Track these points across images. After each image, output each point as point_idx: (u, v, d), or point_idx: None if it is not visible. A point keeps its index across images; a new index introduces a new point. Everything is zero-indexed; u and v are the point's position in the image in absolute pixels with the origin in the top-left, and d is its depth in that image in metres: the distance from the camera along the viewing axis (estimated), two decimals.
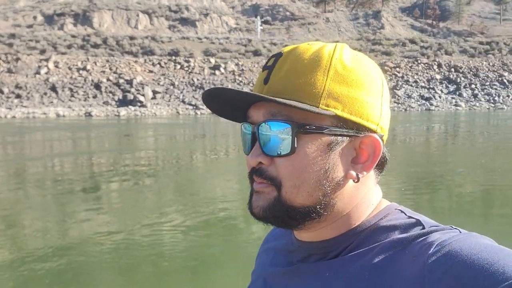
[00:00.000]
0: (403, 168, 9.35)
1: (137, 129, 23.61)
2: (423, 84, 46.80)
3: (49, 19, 56.68)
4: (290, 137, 0.58)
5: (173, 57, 46.67)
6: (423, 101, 43.06)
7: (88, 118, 32.10)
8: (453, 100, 43.86)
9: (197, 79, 42.46)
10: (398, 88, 45.21)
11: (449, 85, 47.17)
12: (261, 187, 0.61)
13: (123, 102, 37.50)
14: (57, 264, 4.45)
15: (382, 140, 0.62)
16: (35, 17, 56.76)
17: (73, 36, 50.26)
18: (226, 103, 0.63)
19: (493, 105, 42.81)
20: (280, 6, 71.09)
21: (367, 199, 0.64)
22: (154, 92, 39.17)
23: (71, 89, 38.75)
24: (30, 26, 53.71)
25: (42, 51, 44.76)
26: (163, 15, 61.06)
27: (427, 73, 49.18)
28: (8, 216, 6.43)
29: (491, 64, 51.90)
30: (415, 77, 48.05)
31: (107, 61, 43.91)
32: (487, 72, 49.96)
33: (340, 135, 0.59)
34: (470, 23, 74.56)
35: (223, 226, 5.79)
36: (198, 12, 63.03)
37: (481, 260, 0.48)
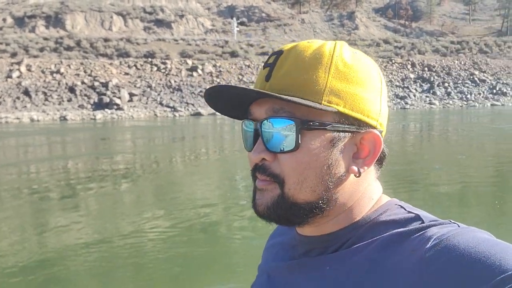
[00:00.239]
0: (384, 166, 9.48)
1: (114, 132, 23.24)
2: (397, 84, 47.68)
3: (20, 21, 55.17)
4: (294, 133, 0.59)
5: (149, 59, 46.13)
6: (398, 100, 43.87)
7: (63, 122, 31.41)
8: (427, 99, 44.88)
9: (175, 81, 42.08)
10: None
11: (423, 84, 48.23)
12: (264, 184, 0.62)
13: (99, 105, 36.85)
14: (36, 274, 4.33)
15: (381, 135, 0.64)
16: (4, 19, 55.14)
17: (46, 39, 49.06)
18: (227, 100, 0.64)
19: (465, 102, 44.04)
20: (255, 7, 71.22)
21: (367, 193, 0.65)
22: (131, 95, 38.62)
23: (45, 93, 37.82)
24: None
25: (13, 54, 43.53)
26: (138, 16, 60.28)
27: (401, 72, 50.14)
28: None
29: (462, 63, 53.34)
30: (390, 76, 48.91)
31: (81, 63, 43.05)
32: (459, 70, 51.33)
33: (342, 131, 0.60)
34: (442, 23, 76.47)
35: (205, 229, 5.75)
36: (173, 13, 62.48)
37: (478, 254, 0.49)
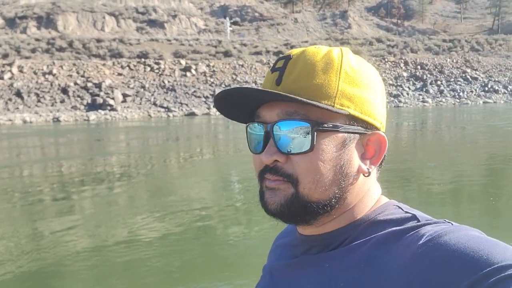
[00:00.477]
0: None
1: (108, 133, 23.13)
2: (391, 82, 47.88)
3: (11, 22, 54.71)
4: (310, 135, 0.61)
5: (143, 59, 45.93)
6: (392, 98, 44.06)
7: (56, 123, 31.20)
8: (420, 97, 45.13)
9: (168, 81, 41.94)
10: None
11: (416, 82, 48.48)
12: (276, 184, 0.64)
13: (92, 106, 36.64)
14: (31, 277, 4.31)
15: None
16: None
17: (37, 40, 48.68)
18: (235, 103, 0.66)
19: (458, 100, 44.32)
20: (248, 7, 71.18)
21: (370, 192, 0.69)
22: (124, 95, 38.44)
23: (37, 94, 37.54)
24: None
25: (5, 56, 43.15)
26: (130, 17, 60.00)
27: (394, 71, 50.36)
28: None
29: (454, 61, 53.67)
30: (383, 75, 49.09)
31: (74, 64, 42.77)
32: (451, 68, 51.65)
33: (352, 132, 0.64)
34: (434, 22, 76.92)
35: (200, 230, 5.72)
36: (166, 13, 62.26)
37: (467, 249, 0.51)
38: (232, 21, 63.41)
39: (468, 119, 25.25)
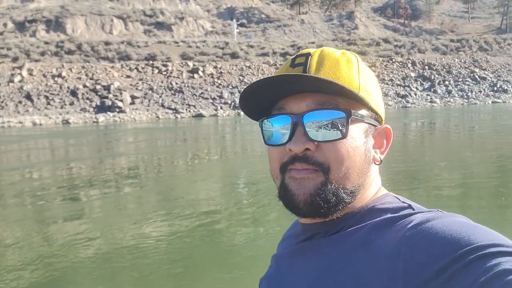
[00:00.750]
0: (386, 163, 9.52)
1: (117, 135, 23.32)
2: (398, 82, 47.73)
3: (20, 26, 55.38)
4: (345, 123, 0.65)
5: (150, 62, 46.27)
6: (399, 99, 43.92)
7: (65, 125, 31.49)
8: (428, 97, 44.91)
9: (176, 83, 42.19)
10: None
11: (424, 82, 48.27)
12: (305, 173, 0.66)
13: (101, 108, 36.96)
14: (39, 274, 4.38)
15: None
16: (5, 24, 55.35)
17: (46, 43, 49.26)
18: (258, 96, 0.70)
19: (466, 100, 44.05)
20: (255, 8, 71.36)
21: (374, 181, 0.73)
22: (133, 97, 38.74)
23: (46, 97, 37.96)
24: (0, 34, 52.38)
25: (15, 59, 43.71)
26: (138, 19, 60.47)
27: (402, 71, 50.19)
28: None
29: (462, 61, 53.38)
30: (391, 75, 48.97)
31: (83, 67, 43.21)
32: (459, 68, 51.36)
33: (370, 123, 0.70)
34: (441, 22, 76.50)
35: (208, 231, 5.73)
36: (173, 16, 62.65)
37: (451, 232, 0.55)
38: (238, 22, 63.61)
39: (477, 119, 25.09)
